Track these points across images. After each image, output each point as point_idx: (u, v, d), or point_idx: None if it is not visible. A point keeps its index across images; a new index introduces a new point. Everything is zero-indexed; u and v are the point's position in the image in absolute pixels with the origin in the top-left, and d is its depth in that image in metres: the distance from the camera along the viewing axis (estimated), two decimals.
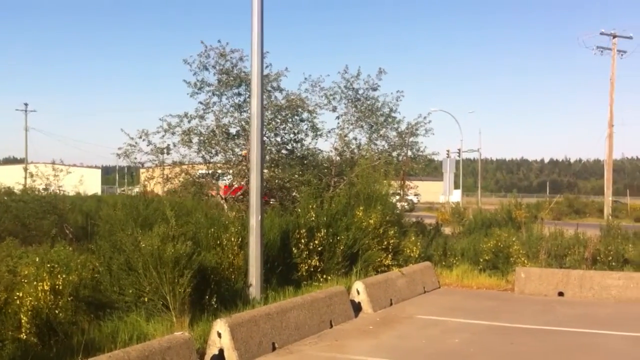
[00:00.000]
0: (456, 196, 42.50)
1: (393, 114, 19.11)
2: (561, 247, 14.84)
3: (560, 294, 12.98)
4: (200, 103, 17.04)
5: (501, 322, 10.49)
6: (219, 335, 7.78)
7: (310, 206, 12.81)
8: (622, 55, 43.90)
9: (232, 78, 16.77)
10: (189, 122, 16.80)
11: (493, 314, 11.23)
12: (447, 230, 20.85)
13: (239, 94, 17.09)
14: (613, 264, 14.28)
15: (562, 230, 16.20)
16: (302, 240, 12.01)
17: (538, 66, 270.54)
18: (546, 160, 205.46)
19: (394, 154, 19.53)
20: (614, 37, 43.62)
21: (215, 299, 9.35)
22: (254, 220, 10.44)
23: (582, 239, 15.37)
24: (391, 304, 11.81)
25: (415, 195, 21.50)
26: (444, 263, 15.36)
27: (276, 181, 17.09)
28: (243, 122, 16.78)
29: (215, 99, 17.09)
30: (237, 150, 17.19)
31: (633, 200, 63.84)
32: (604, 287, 12.75)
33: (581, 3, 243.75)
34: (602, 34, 43.80)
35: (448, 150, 57.18)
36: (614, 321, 10.63)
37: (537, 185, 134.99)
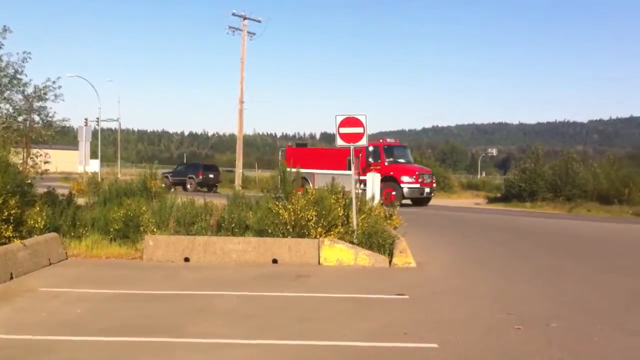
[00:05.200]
0: (94, 166, 41.04)
1: (19, 76, 17.75)
2: (190, 215, 15.59)
3: (187, 259, 13.67)
4: None
5: (127, 290, 10.64)
6: None
7: None
8: (251, 37, 47.08)
9: None
10: None
11: (120, 282, 11.33)
12: (82, 200, 20.16)
13: None
14: (236, 230, 15.44)
15: (193, 199, 17.04)
16: None
17: (179, 42, 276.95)
18: (186, 133, 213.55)
19: (20, 118, 18.15)
20: (245, 18, 46.56)
21: None
22: None
23: (210, 207, 16.37)
24: (12, 278, 11.10)
25: (45, 163, 20.25)
26: (73, 234, 14.86)
27: None
28: None
29: None
30: None
31: (262, 172, 70.10)
32: (226, 251, 13.78)
33: None
34: (234, 14, 46.41)
35: (86, 119, 54.96)
36: (232, 282, 11.59)
37: (178, 157, 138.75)
